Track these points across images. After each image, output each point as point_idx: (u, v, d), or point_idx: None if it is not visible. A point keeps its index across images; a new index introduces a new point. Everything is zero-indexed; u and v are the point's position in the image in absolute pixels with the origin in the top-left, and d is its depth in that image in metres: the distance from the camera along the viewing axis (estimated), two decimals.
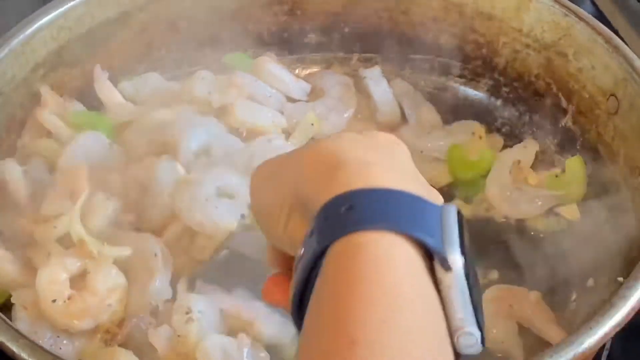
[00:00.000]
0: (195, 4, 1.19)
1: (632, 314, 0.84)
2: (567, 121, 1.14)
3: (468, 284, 0.59)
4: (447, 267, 0.59)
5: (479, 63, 1.21)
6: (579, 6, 1.09)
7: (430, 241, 0.59)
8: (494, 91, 1.20)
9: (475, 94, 1.21)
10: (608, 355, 1.02)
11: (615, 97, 1.06)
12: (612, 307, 0.83)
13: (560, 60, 1.13)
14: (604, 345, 1.00)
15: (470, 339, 0.58)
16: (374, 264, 0.58)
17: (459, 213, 0.63)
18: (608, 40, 1.07)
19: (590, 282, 1.01)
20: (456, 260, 0.59)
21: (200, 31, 1.21)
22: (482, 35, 1.19)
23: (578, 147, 1.13)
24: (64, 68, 1.14)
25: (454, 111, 1.20)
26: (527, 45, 1.16)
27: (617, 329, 0.83)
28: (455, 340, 0.58)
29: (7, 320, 0.86)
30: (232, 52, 1.20)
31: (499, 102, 1.20)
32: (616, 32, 1.06)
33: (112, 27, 1.16)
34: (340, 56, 1.25)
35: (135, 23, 1.18)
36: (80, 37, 1.14)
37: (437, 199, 0.66)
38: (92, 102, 1.15)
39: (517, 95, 1.19)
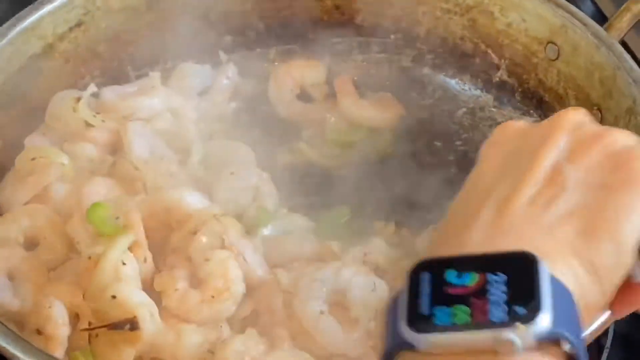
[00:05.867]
0: (110, 25, 1.16)
1: None
2: (501, 75, 1.20)
3: None
4: None
5: (399, 36, 1.24)
6: (578, 7, 1.13)
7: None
8: (419, 60, 1.24)
9: (399, 66, 1.24)
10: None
11: (554, 43, 1.13)
12: None
13: (485, 19, 1.18)
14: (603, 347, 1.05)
15: None
16: None
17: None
18: None
19: None
20: None
21: (118, 52, 1.17)
22: (401, 9, 1.22)
23: (518, 98, 1.19)
24: (1, 111, 1.08)
25: (381, 87, 1.23)
26: (448, 11, 1.20)
27: None
28: None
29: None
30: None
31: (425, 70, 1.24)
32: (623, 42, 1.10)
33: (39, 61, 1.10)
34: (258, 52, 1.24)
35: (58, 54, 1.12)
36: (13, 77, 1.08)
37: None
38: None
39: (443, 60, 1.23)
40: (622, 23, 1.10)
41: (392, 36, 1.24)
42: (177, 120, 1.13)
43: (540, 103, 1.17)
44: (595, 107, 1.09)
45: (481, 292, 0.53)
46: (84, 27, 1.13)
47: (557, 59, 1.13)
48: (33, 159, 1.05)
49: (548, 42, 1.13)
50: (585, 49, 1.09)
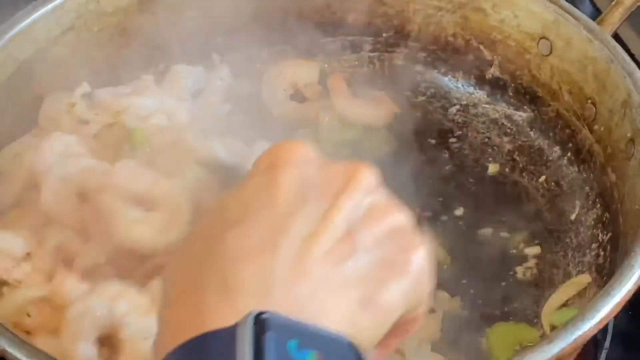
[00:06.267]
0: (102, 29, 1.16)
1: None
2: (494, 71, 1.20)
3: None
4: None
5: (391, 34, 1.24)
6: (577, 7, 1.13)
7: None
8: (411, 58, 1.24)
9: (392, 64, 1.24)
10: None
11: (547, 39, 1.13)
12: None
13: (477, 15, 1.18)
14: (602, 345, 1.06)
15: None
16: None
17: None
18: None
19: None
20: None
21: (111, 55, 1.17)
22: (392, 7, 1.22)
23: (511, 94, 1.19)
24: None
25: (374, 85, 1.23)
26: (440, 8, 1.20)
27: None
28: None
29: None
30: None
31: (418, 68, 1.24)
32: (616, 35, 1.12)
33: (31, 66, 1.10)
34: (250, 53, 1.24)
35: (51, 58, 1.12)
36: (5, 82, 1.08)
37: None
38: None
39: (436, 58, 1.23)
40: (614, 17, 1.11)
41: (384, 34, 1.24)
42: (170, 122, 1.13)
43: (534, 98, 1.17)
44: (590, 101, 1.10)
45: None
46: (76, 31, 1.13)
47: (550, 54, 1.14)
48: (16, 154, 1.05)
49: (540, 38, 1.14)
50: (578, 43, 1.10)
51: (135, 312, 0.87)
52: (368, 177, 0.62)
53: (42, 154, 0.98)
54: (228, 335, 0.52)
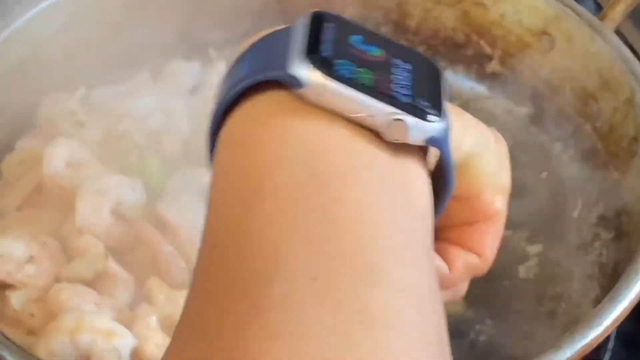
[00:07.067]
0: (98, 27, 1.14)
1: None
2: (494, 66, 1.19)
3: None
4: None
5: (389, 29, 1.22)
6: (579, 2, 1.12)
7: None
8: None
9: None
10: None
11: (549, 34, 1.12)
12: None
13: (477, 10, 1.17)
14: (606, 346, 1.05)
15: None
16: None
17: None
18: None
19: None
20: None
21: (107, 52, 1.15)
22: (391, 0, 1.21)
23: (512, 89, 1.18)
24: None
25: None
26: (439, 2, 1.19)
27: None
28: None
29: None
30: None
31: None
32: (618, 31, 1.10)
33: (27, 65, 1.09)
34: None
35: (47, 56, 1.11)
36: (2, 81, 1.07)
37: None
38: None
39: (435, 52, 1.22)
40: (616, 13, 1.10)
41: (383, 29, 1.23)
42: (169, 119, 1.11)
43: (535, 94, 1.16)
44: (592, 98, 1.09)
45: (385, 68, 0.47)
46: (72, 29, 1.11)
47: (551, 49, 1.13)
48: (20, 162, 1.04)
49: (542, 33, 1.13)
50: (580, 40, 1.09)
51: (99, 338, 0.85)
52: None
53: (49, 160, 0.97)
54: (284, 31, 0.49)
